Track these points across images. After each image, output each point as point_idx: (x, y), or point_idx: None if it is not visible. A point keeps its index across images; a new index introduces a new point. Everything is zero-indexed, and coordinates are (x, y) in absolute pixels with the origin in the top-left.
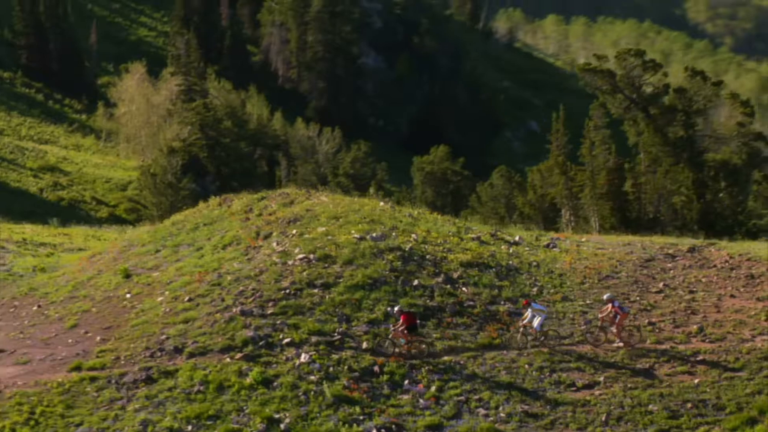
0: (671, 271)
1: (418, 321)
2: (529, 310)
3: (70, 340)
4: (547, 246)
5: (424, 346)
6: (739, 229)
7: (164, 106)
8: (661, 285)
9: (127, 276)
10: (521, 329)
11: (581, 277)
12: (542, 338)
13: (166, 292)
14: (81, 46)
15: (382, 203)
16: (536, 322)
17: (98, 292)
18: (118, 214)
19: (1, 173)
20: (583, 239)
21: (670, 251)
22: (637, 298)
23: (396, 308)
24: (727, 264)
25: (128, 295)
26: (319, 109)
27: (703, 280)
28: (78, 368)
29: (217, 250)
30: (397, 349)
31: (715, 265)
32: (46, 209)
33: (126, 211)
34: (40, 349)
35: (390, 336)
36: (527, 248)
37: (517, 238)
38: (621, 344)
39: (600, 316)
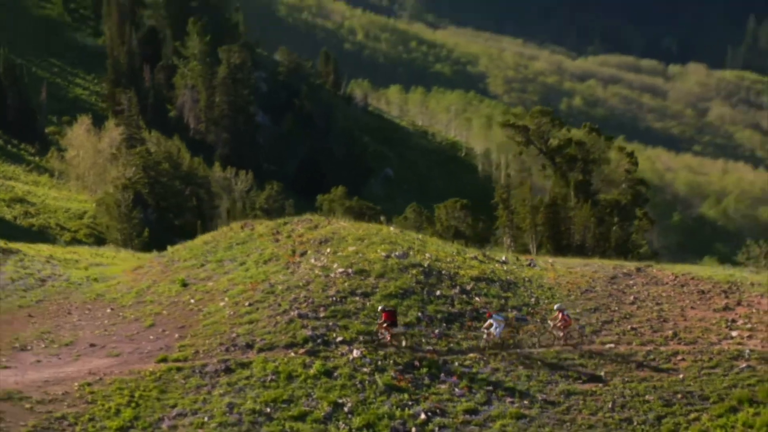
0: (635, 287)
1: (397, 318)
2: (491, 320)
3: (151, 337)
4: (528, 265)
5: (402, 338)
6: (631, 256)
7: (108, 151)
8: (632, 298)
9: (184, 285)
10: (485, 334)
11: (566, 290)
12: (500, 342)
13: (226, 299)
14: (32, 102)
15: (391, 228)
16: (497, 330)
17: (162, 298)
18: (79, 238)
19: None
20: (550, 260)
21: (624, 270)
22: (616, 308)
23: (379, 308)
24: (676, 281)
25: (192, 301)
26: (224, 156)
27: (663, 294)
28: (164, 360)
29: (260, 264)
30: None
31: (666, 282)
32: (21, 234)
33: (85, 236)
34: (127, 344)
35: (375, 330)
36: (514, 266)
37: (503, 258)
38: (566, 344)
39: (550, 323)
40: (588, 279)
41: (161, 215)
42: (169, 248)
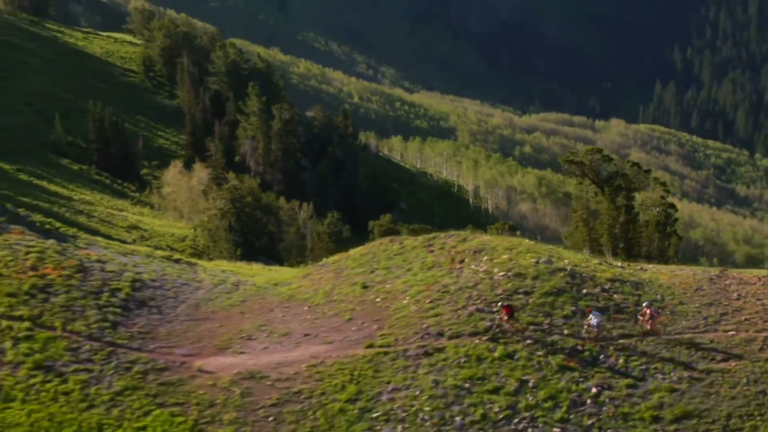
0: (732, 286)
1: (515, 312)
2: (591, 315)
3: (353, 328)
4: (640, 269)
5: (519, 326)
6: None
7: (198, 188)
8: (735, 294)
9: (365, 287)
10: (585, 326)
11: (681, 289)
12: (598, 333)
13: (408, 298)
14: (130, 150)
15: (527, 240)
16: (594, 322)
17: (350, 298)
18: (186, 257)
19: (106, 229)
20: (649, 266)
21: (712, 274)
22: (726, 303)
23: (499, 304)
24: (761, 282)
25: (378, 300)
26: (279, 192)
27: (758, 292)
28: (371, 346)
29: (425, 270)
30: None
31: (754, 282)
32: None
33: (189, 255)
34: (335, 334)
35: (496, 322)
36: (631, 270)
37: (620, 264)
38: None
39: (640, 317)
40: (693, 280)
41: (246, 238)
42: (329, 258)
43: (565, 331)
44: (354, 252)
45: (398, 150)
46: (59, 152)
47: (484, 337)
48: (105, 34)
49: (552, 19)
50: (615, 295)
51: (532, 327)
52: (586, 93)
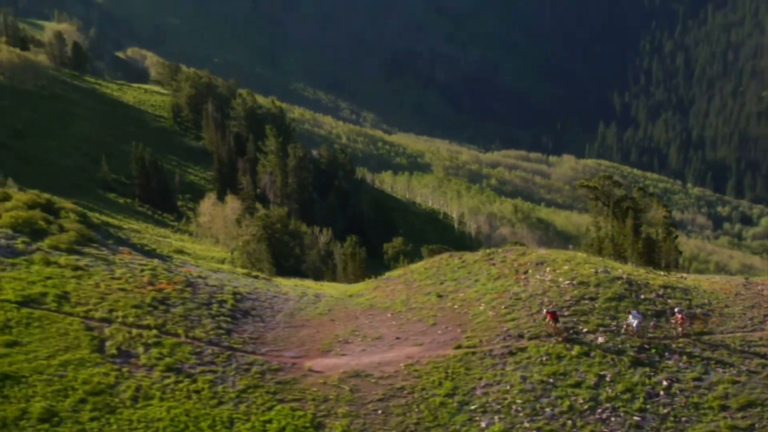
0: (764, 291)
1: (558, 317)
2: (630, 316)
3: (438, 332)
4: (682, 277)
5: (563, 329)
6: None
7: (232, 217)
8: None
9: (440, 296)
10: (624, 326)
11: (723, 294)
12: (637, 334)
13: (483, 304)
14: (168, 185)
15: (580, 253)
16: (635, 323)
17: (427, 306)
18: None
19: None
20: (686, 275)
21: (740, 281)
22: (766, 305)
23: (544, 310)
24: None
25: (455, 307)
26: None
27: None
28: (459, 347)
29: (492, 280)
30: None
31: None
32: None
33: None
34: (423, 337)
35: (545, 326)
36: (675, 278)
37: (662, 273)
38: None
39: (672, 322)
40: (731, 286)
41: (276, 260)
42: (393, 272)
43: (564, 334)
44: (417, 266)
45: (388, 183)
46: (106, 188)
47: (561, 338)
48: (135, 85)
49: (507, 70)
50: (669, 300)
51: (601, 328)
52: (540, 133)
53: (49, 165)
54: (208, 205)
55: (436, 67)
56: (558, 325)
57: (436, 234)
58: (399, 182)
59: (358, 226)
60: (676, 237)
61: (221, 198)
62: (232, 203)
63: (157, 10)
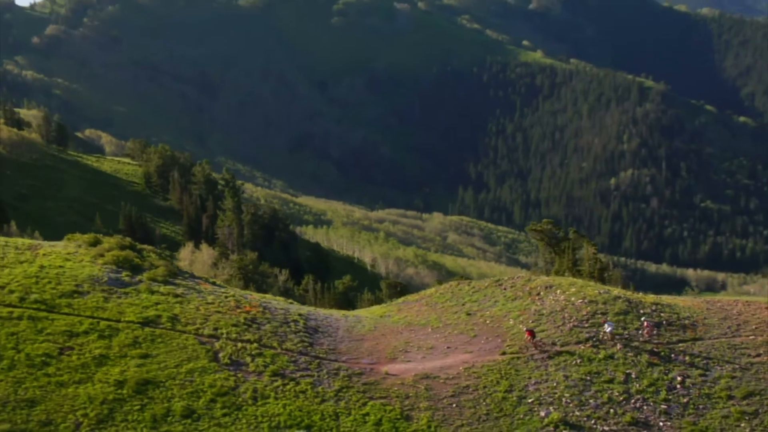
0: (726, 306)
1: (535, 333)
2: (606, 324)
3: (482, 342)
4: (658, 298)
5: (538, 342)
6: None
7: (208, 262)
8: (735, 311)
9: (468, 314)
10: (602, 333)
11: (698, 309)
12: (611, 338)
13: (512, 320)
14: (151, 236)
15: (580, 280)
16: (608, 330)
17: (461, 321)
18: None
19: None
20: (656, 296)
21: (704, 299)
22: (735, 317)
23: (525, 328)
24: (741, 303)
25: (487, 322)
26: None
27: (745, 310)
28: (504, 353)
29: (509, 301)
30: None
31: (737, 304)
32: None
33: None
34: (470, 346)
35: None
36: (653, 299)
37: (640, 294)
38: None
39: (641, 330)
40: (699, 303)
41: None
42: (409, 297)
43: (641, 338)
44: (431, 291)
45: (310, 235)
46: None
47: (587, 345)
48: (109, 157)
49: (385, 147)
50: (662, 314)
51: (617, 337)
52: (412, 196)
53: (50, 221)
54: (187, 252)
55: (329, 144)
56: (535, 339)
57: (355, 274)
58: (318, 234)
59: (300, 268)
60: (606, 269)
61: (197, 246)
62: (208, 250)
63: (106, 100)
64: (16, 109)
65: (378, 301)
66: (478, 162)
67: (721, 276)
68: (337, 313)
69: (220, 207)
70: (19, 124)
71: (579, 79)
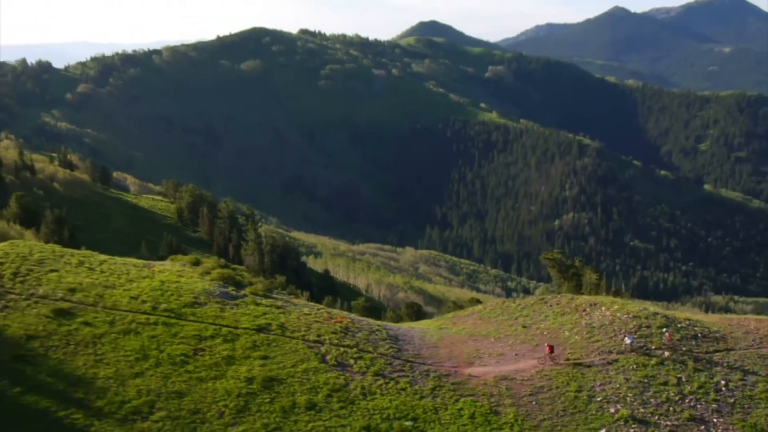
0: (742, 322)
1: (554, 348)
2: (626, 336)
3: (545, 350)
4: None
5: (557, 356)
6: None
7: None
8: (753, 326)
9: (524, 327)
10: (623, 344)
11: (721, 324)
12: (631, 349)
13: (567, 332)
14: None
15: (620, 299)
16: (629, 341)
17: (519, 333)
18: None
19: None
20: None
21: (722, 316)
22: (755, 331)
23: (546, 344)
24: (755, 321)
25: (545, 333)
26: None
27: (759, 326)
28: (568, 359)
29: (559, 316)
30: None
31: (750, 322)
32: None
33: None
34: (535, 353)
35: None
36: (683, 315)
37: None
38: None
39: (663, 339)
40: (720, 319)
41: None
42: (461, 311)
43: (683, 348)
44: (480, 308)
45: (311, 263)
46: None
47: (632, 353)
48: (145, 195)
49: (366, 190)
50: (695, 327)
51: (663, 346)
52: (387, 232)
53: (104, 249)
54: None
55: (317, 186)
56: (553, 354)
57: (352, 298)
58: (318, 263)
59: (312, 291)
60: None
61: None
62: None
63: (127, 147)
64: (54, 154)
65: (398, 318)
66: (443, 204)
67: (647, 304)
68: (404, 326)
69: (243, 238)
70: (70, 165)
71: (528, 136)
